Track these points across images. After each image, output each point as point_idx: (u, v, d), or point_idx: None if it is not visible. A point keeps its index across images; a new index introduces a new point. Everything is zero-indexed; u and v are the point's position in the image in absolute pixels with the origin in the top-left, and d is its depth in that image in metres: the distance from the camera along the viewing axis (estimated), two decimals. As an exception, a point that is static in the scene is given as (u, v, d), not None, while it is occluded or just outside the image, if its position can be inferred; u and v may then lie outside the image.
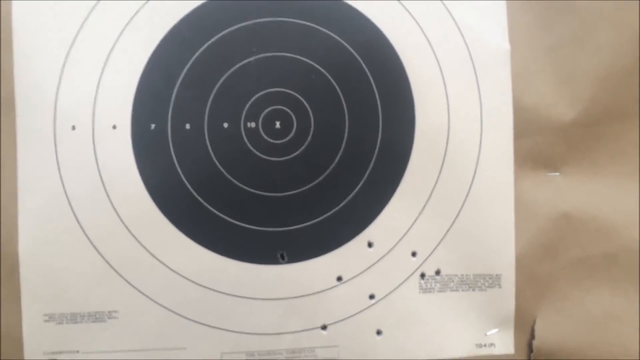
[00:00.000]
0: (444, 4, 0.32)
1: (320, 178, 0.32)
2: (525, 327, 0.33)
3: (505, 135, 0.33)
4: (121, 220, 0.31)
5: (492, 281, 0.33)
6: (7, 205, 0.30)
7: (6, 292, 0.30)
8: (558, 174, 0.33)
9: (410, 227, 0.32)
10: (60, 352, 0.31)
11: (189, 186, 0.31)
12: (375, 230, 0.32)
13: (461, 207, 0.32)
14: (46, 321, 0.30)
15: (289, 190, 0.32)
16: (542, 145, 0.33)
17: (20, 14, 0.30)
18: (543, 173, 0.33)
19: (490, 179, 0.33)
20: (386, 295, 0.32)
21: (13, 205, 0.30)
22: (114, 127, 0.30)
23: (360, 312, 0.32)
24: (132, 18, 0.30)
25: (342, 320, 0.32)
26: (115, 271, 0.31)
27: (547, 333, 0.33)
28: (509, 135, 0.33)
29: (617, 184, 0.33)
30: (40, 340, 0.31)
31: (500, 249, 0.33)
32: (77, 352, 0.31)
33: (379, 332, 0.32)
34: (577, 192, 0.33)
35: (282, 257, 0.32)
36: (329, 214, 0.32)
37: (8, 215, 0.30)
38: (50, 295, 0.30)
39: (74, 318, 0.31)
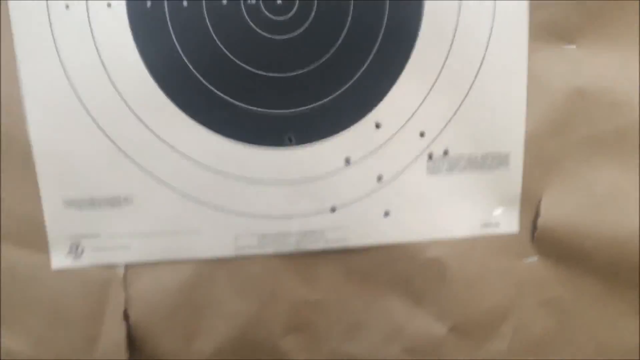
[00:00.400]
0: None
1: (325, 57, 0.23)
2: (531, 207, 0.26)
3: (520, 4, 0.23)
4: (125, 102, 0.23)
5: (500, 160, 0.25)
6: (11, 91, 0.23)
7: (24, 178, 0.24)
8: (574, 46, 0.24)
9: (419, 106, 0.24)
10: (82, 236, 0.24)
11: (190, 67, 0.23)
12: (382, 110, 0.24)
13: (472, 84, 0.24)
14: (66, 207, 0.24)
15: (294, 70, 0.23)
16: (558, 15, 0.24)
17: None
18: (559, 46, 0.24)
19: (503, 53, 0.24)
20: (394, 177, 0.25)
21: (17, 91, 0.22)
22: (109, 5, 0.22)
23: (368, 194, 0.25)
24: None
25: (350, 202, 0.25)
26: (126, 155, 0.24)
27: (552, 211, 0.25)
28: (523, 4, 0.23)
29: (635, 57, 0.24)
30: (62, 225, 0.25)
31: (510, 126, 0.25)
32: (99, 235, 0.24)
33: (386, 214, 0.25)
34: (592, 65, 0.25)
35: (290, 140, 0.24)
36: (335, 94, 0.24)
37: (13, 100, 0.23)
38: (67, 181, 0.24)
39: (92, 203, 0.24)
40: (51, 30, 0.23)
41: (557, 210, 0.26)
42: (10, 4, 0.23)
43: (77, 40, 0.23)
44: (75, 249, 0.26)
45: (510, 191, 0.26)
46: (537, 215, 0.26)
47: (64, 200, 0.25)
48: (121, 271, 0.25)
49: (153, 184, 0.25)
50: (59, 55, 0.23)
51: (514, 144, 0.25)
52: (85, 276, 0.25)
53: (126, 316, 0.25)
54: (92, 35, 0.23)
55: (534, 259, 0.27)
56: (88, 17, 0.23)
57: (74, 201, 0.25)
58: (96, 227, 0.25)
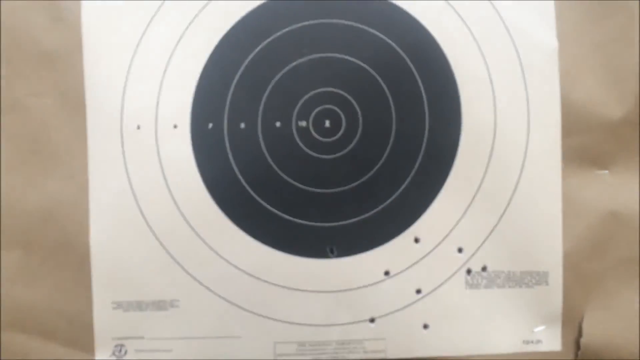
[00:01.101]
0: (491, 3, 0.24)
1: (368, 175, 0.25)
2: (572, 325, 0.25)
3: (553, 133, 0.25)
4: (182, 214, 0.25)
5: (539, 278, 0.25)
6: (79, 199, 0.25)
7: (78, 280, 0.25)
8: (607, 171, 0.25)
9: (457, 223, 0.25)
10: (127, 338, 0.25)
11: (243, 182, 0.24)
12: (422, 226, 0.25)
13: (508, 204, 0.25)
14: (115, 308, 0.25)
15: (338, 186, 0.25)
16: (590, 143, 0.25)
17: (89, 16, 0.24)
18: (591, 171, 0.25)
19: (538, 177, 0.25)
20: (433, 290, 0.25)
21: (84, 199, 0.25)
22: (175, 126, 0.25)
23: (407, 306, 0.25)
24: (194, 19, 0.25)
25: (389, 313, 0.25)
26: (177, 262, 0.25)
27: (595, 331, 0.25)
28: (556, 133, 0.25)
29: (668, 182, 0.24)
30: (109, 326, 0.25)
31: (547, 246, 0.25)
32: (143, 338, 0.25)
33: (425, 326, 0.25)
34: (625, 190, 0.25)
35: (332, 251, 0.25)
36: (376, 210, 0.25)
37: (80, 208, 0.25)
38: (118, 284, 0.25)
39: (139, 306, 0.25)
40: (122, 146, 0.26)
41: (599, 330, 0.26)
42: (88, 120, 0.26)
43: (145, 157, 0.26)
44: (119, 350, 0.26)
45: (551, 309, 0.26)
46: (579, 334, 0.26)
47: (113, 302, 0.26)
48: (162, 376, 0.26)
49: (200, 290, 0.26)
50: (126, 170, 0.26)
51: (553, 263, 0.26)
52: (126, 378, 0.26)
53: None
54: (158, 152, 0.26)
55: (578, 380, 0.26)
56: (156, 136, 0.26)
57: (122, 303, 0.26)
58: (141, 330, 0.26)
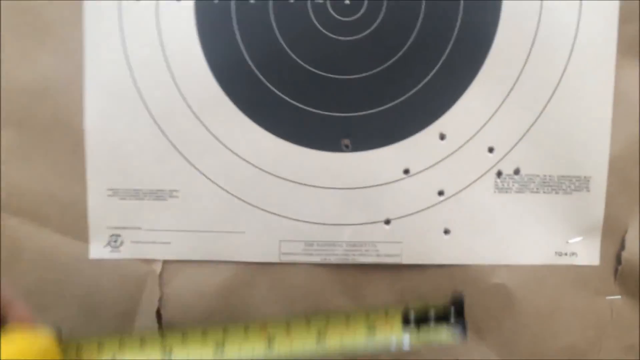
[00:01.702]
0: None
1: (391, 61, 0.22)
2: (613, 237, 0.23)
3: (610, 17, 0.22)
4: (183, 97, 0.23)
5: (580, 184, 0.22)
6: (74, 77, 0.23)
7: (72, 164, 0.24)
8: (669, 63, 0.21)
9: (489, 119, 0.22)
10: (123, 228, 0.23)
11: (251, 64, 0.22)
12: (449, 120, 0.22)
13: (549, 98, 0.22)
14: (110, 196, 0.23)
15: (357, 73, 0.22)
16: (652, 30, 0.21)
17: None
18: None
19: (587, 68, 0.22)
20: (457, 193, 0.23)
21: (80, 78, 0.23)
22: None
23: (427, 208, 0.23)
24: None
25: (407, 215, 0.23)
26: (177, 150, 0.23)
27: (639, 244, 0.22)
28: (613, 17, 0.22)
29: None
30: (104, 214, 0.24)
31: (592, 148, 0.22)
32: (140, 228, 0.24)
33: (446, 232, 0.23)
34: None
35: (347, 145, 0.22)
36: (398, 100, 0.22)
37: (75, 87, 0.24)
38: (115, 170, 0.23)
39: (136, 194, 0.23)
40: (120, 20, 0.23)
41: (645, 244, 0.23)
42: (85, -7, 0.23)
43: (144, 33, 0.23)
44: (115, 241, 0.25)
45: (590, 219, 0.23)
46: (621, 247, 0.23)
47: (109, 189, 0.24)
48: (158, 267, 0.24)
49: (201, 180, 0.24)
50: (124, 46, 0.23)
51: (597, 167, 0.23)
52: (121, 269, 0.24)
53: (159, 315, 0.24)
54: (159, 28, 0.23)
55: (617, 297, 0.24)
56: (157, 10, 0.23)
57: (118, 191, 0.24)
58: (138, 220, 0.24)
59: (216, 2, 0.24)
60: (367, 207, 0.24)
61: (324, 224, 0.24)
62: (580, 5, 0.23)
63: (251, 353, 0.18)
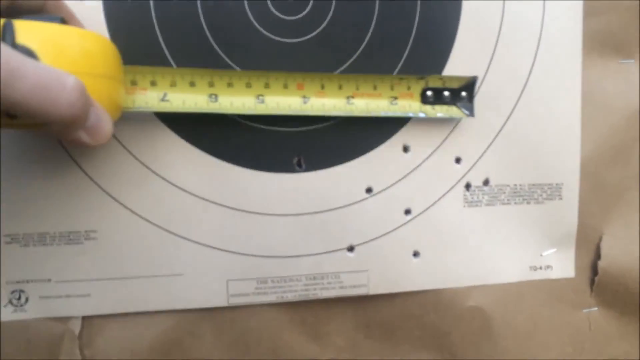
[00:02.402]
0: None
1: (344, 65, 0.19)
2: (588, 246, 0.22)
3: (573, 13, 0.20)
4: None
5: (552, 192, 0.21)
6: None
7: None
8: (633, 60, 0.21)
9: (455, 126, 0.20)
10: (27, 281, 0.19)
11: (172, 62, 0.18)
12: (412, 131, 0.20)
13: (516, 103, 0.20)
14: (8, 243, 0.18)
15: (305, 34, 0.19)
16: (615, 26, 0.20)
17: None
18: (615, 60, 0.21)
19: (553, 68, 0.20)
20: (425, 210, 0.20)
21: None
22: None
23: (394, 229, 0.20)
24: None
25: (372, 239, 0.20)
26: (93, 181, 0.19)
27: (616, 252, 0.21)
28: (577, 13, 0.20)
29: (700, 75, 0.21)
30: (3, 267, 0.18)
31: (562, 153, 0.21)
32: (49, 280, 0.19)
33: (415, 254, 0.20)
34: None
35: (299, 164, 0.19)
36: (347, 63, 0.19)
37: None
38: (12, 211, 0.18)
39: (42, 239, 0.19)
40: None
41: (621, 251, 0.22)
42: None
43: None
44: (18, 298, 0.20)
45: (564, 228, 0.22)
46: (597, 256, 0.22)
47: (6, 235, 0.19)
48: (77, 326, 0.20)
49: (125, 216, 0.20)
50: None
51: (568, 172, 0.22)
52: (29, 332, 0.19)
53: (81, 387, 0.20)
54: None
55: (594, 309, 0.22)
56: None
57: (18, 236, 0.19)
58: (46, 270, 0.20)
59: (129, 1, 0.19)
60: (327, 234, 0.21)
61: (279, 256, 0.21)
62: (544, 3, 0.21)
63: (288, 108, 0.18)
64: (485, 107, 0.21)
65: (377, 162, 0.21)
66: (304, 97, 0.19)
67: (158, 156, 0.20)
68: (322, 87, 0.19)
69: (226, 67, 0.20)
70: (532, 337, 0.22)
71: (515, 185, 0.22)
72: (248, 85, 0.19)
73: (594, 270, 0.22)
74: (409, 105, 0.19)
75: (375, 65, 0.20)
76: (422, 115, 0.20)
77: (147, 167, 0.20)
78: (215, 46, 0.20)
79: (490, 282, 0.22)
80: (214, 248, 0.21)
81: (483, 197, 0.22)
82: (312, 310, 0.21)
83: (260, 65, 0.20)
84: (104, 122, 0.16)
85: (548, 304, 0.22)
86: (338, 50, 0.20)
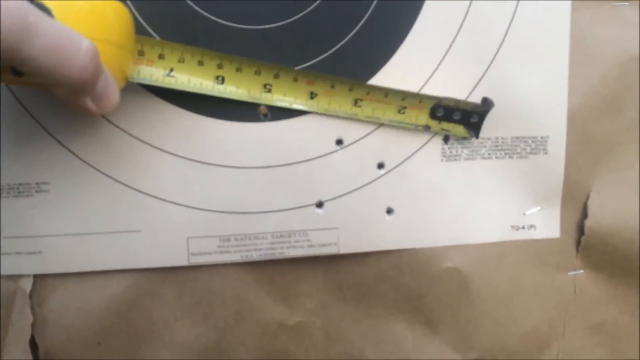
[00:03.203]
0: None
1: (312, 6, 0.18)
2: (575, 205, 0.20)
3: None
4: None
5: (536, 145, 0.19)
6: None
7: None
8: (627, 3, 0.19)
9: (433, 72, 0.19)
10: (-24, 237, 0.18)
11: (139, 17, 0.17)
12: (386, 76, 0.20)
13: (498, 48, 0.19)
14: None
15: (271, 22, 0.18)
16: (608, -37, 0.18)
17: None
18: (608, 2, 0.19)
19: (539, 10, 0.19)
20: (399, 164, 0.19)
21: None
22: None
23: (366, 184, 0.19)
24: None
25: (342, 195, 0.19)
26: (45, 129, 0.18)
27: (604, 210, 0.20)
28: None
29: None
30: None
31: (548, 103, 0.20)
32: (-3, 236, 0.18)
33: (389, 211, 0.19)
34: None
35: (265, 115, 0.18)
36: (325, 54, 0.18)
37: None
38: None
39: None
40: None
41: (609, 209, 0.20)
42: None
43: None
44: (-33, 255, 0.19)
45: (549, 185, 0.20)
46: (583, 215, 0.20)
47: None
48: (28, 285, 0.18)
49: (79, 167, 0.19)
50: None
51: (554, 125, 0.20)
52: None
53: (34, 345, 0.19)
54: None
55: (579, 271, 0.21)
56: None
57: (-33, 189, 0.18)
58: (-3, 225, 0.19)
59: None
60: (294, 189, 0.19)
61: (243, 212, 0.20)
62: None
63: (293, 101, 0.18)
64: (465, 53, 0.19)
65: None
66: (312, 93, 0.18)
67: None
68: (332, 86, 0.18)
69: (191, 12, 0.18)
70: (513, 301, 0.21)
71: (497, 138, 0.20)
72: (257, 73, 0.18)
73: (581, 230, 0.20)
74: (416, 116, 0.19)
75: (342, 8, 0.19)
76: (426, 126, 0.19)
77: (105, 118, 0.19)
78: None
79: (469, 242, 0.20)
80: (174, 203, 0.19)
81: (462, 151, 0.20)
82: (280, 270, 0.20)
83: (227, 9, 0.18)
84: (112, 91, 0.15)
85: (531, 265, 0.21)
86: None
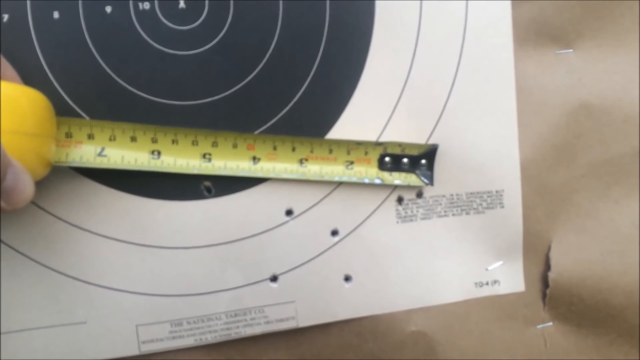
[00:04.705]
0: None
1: (251, 76, 0.17)
2: (537, 256, 0.20)
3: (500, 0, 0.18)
4: None
5: (492, 200, 0.19)
6: None
7: None
8: (571, 50, 0.19)
9: (381, 133, 0.18)
10: None
11: (64, 95, 0.16)
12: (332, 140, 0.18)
13: (445, 104, 0.19)
14: None
15: (206, 96, 0.17)
16: (549, 13, 0.18)
17: None
18: (552, 50, 0.19)
19: (482, 63, 0.19)
20: (354, 229, 0.19)
21: None
22: None
23: (320, 253, 0.19)
24: None
25: (297, 266, 0.18)
26: None
27: (566, 261, 0.19)
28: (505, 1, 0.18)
29: (646, 60, 0.19)
30: None
31: (500, 156, 0.19)
32: None
33: (347, 278, 0.19)
34: (596, 73, 0.19)
35: (208, 190, 0.17)
36: (268, 124, 0.17)
37: None
38: None
39: None
40: None
41: (572, 259, 0.20)
42: None
43: None
44: None
45: (509, 239, 0.20)
46: (547, 267, 0.20)
47: None
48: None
49: (15, 259, 0.18)
50: None
51: (508, 178, 0.19)
52: None
53: None
54: None
55: (548, 324, 0.20)
56: None
57: None
58: None
59: (5, 20, 0.17)
60: (245, 265, 0.18)
61: (193, 294, 0.19)
62: (466, -10, 0.19)
63: (236, 169, 0.17)
64: (411, 112, 0.19)
65: (296, 181, 0.19)
66: (254, 158, 0.18)
67: (50, 192, 0.18)
68: (274, 148, 0.18)
69: (118, 88, 0.18)
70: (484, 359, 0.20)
71: (452, 195, 0.20)
72: (194, 143, 0.18)
73: (545, 282, 0.20)
74: (365, 170, 0.18)
75: (285, 72, 0.18)
76: (378, 181, 0.18)
77: (39, 207, 0.18)
78: (103, 65, 0.18)
79: (432, 304, 0.19)
80: (119, 290, 0.18)
81: (417, 211, 0.20)
82: (239, 349, 0.19)
83: (156, 81, 0.18)
84: (23, 184, 0.14)
85: (498, 322, 0.20)
86: (241, 59, 0.18)
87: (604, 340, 0.20)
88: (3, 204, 0.14)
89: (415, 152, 0.18)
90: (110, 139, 0.17)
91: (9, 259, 0.18)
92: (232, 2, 0.18)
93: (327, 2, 0.18)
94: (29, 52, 0.17)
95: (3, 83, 0.14)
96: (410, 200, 0.20)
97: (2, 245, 0.18)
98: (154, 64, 0.18)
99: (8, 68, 0.16)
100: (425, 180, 0.19)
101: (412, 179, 0.19)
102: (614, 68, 0.20)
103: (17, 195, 0.14)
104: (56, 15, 0.18)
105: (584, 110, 0.19)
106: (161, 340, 0.19)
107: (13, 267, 0.17)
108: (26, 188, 0.14)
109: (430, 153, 0.18)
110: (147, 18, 0.17)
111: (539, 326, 0.20)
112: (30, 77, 0.17)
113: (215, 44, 0.18)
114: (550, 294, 0.20)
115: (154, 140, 0.17)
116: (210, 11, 0.18)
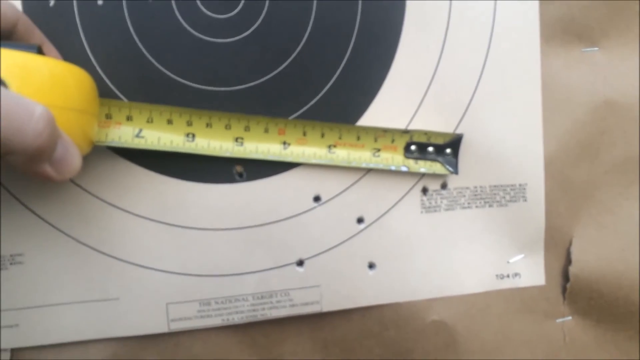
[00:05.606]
0: None
1: (283, 65, 0.18)
2: (558, 250, 0.20)
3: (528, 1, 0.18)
4: None
5: (515, 193, 0.19)
6: None
7: None
8: (597, 48, 0.19)
9: (408, 124, 0.18)
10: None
11: (107, 81, 0.17)
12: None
13: (471, 98, 0.19)
14: None
15: (240, 83, 0.18)
16: (576, 11, 0.19)
17: None
18: (578, 48, 0.19)
19: (508, 59, 0.19)
20: (379, 218, 0.19)
21: None
22: None
23: (346, 240, 0.19)
24: None
25: (323, 252, 0.19)
26: (16, 199, 0.17)
27: (587, 256, 0.19)
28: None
29: (671, 61, 0.19)
30: None
31: (524, 150, 0.19)
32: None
33: (371, 266, 0.19)
34: (621, 71, 0.19)
35: (240, 175, 0.18)
36: (298, 112, 0.18)
37: None
38: None
39: None
40: None
41: (593, 254, 0.20)
42: None
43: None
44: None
45: (531, 232, 0.20)
46: (567, 262, 0.20)
47: None
48: (6, 358, 0.18)
49: (54, 236, 0.18)
50: None
51: (532, 172, 0.20)
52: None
53: None
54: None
55: (567, 318, 0.20)
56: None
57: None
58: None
59: (52, 5, 0.18)
60: (273, 248, 0.19)
61: (222, 275, 0.19)
62: (496, -13, 0.19)
63: (267, 152, 0.18)
64: (437, 105, 0.19)
65: (325, 168, 0.19)
66: (285, 142, 0.18)
67: (87, 171, 0.18)
68: (304, 134, 0.19)
69: (158, 74, 0.18)
70: (502, 352, 0.20)
71: (476, 187, 0.20)
72: (227, 127, 0.18)
73: (566, 276, 0.20)
74: (391, 158, 0.19)
75: (317, 62, 0.19)
76: (404, 169, 0.19)
77: (76, 184, 0.18)
78: (144, 51, 0.18)
79: (453, 294, 0.20)
80: (151, 269, 0.19)
81: (442, 202, 0.20)
82: (264, 331, 0.20)
83: (193, 67, 0.18)
84: (72, 156, 0.15)
85: (518, 314, 0.20)
86: (275, 49, 0.19)
87: (623, 335, 0.21)
88: (54, 173, 0.14)
89: (440, 141, 0.19)
90: (147, 121, 0.18)
91: (45, 233, 0.18)
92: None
93: (359, 7, 0.19)
94: (73, 36, 0.18)
95: (51, 60, 0.15)
96: (434, 191, 0.20)
97: (40, 221, 0.18)
98: (192, 50, 0.18)
99: (53, 51, 0.17)
100: (450, 169, 0.19)
101: (437, 167, 0.19)
102: (638, 66, 0.20)
103: (66, 165, 0.14)
104: (100, 1, 0.18)
105: (608, 108, 0.20)
106: (189, 319, 0.19)
107: (49, 242, 0.18)
108: (74, 159, 0.15)
109: (455, 142, 0.19)
110: (186, 6, 0.18)
111: (559, 320, 0.21)
112: (73, 60, 0.18)
113: (251, 33, 0.19)
114: (571, 288, 0.20)
115: (189, 124, 0.18)
116: (247, 1, 0.19)
